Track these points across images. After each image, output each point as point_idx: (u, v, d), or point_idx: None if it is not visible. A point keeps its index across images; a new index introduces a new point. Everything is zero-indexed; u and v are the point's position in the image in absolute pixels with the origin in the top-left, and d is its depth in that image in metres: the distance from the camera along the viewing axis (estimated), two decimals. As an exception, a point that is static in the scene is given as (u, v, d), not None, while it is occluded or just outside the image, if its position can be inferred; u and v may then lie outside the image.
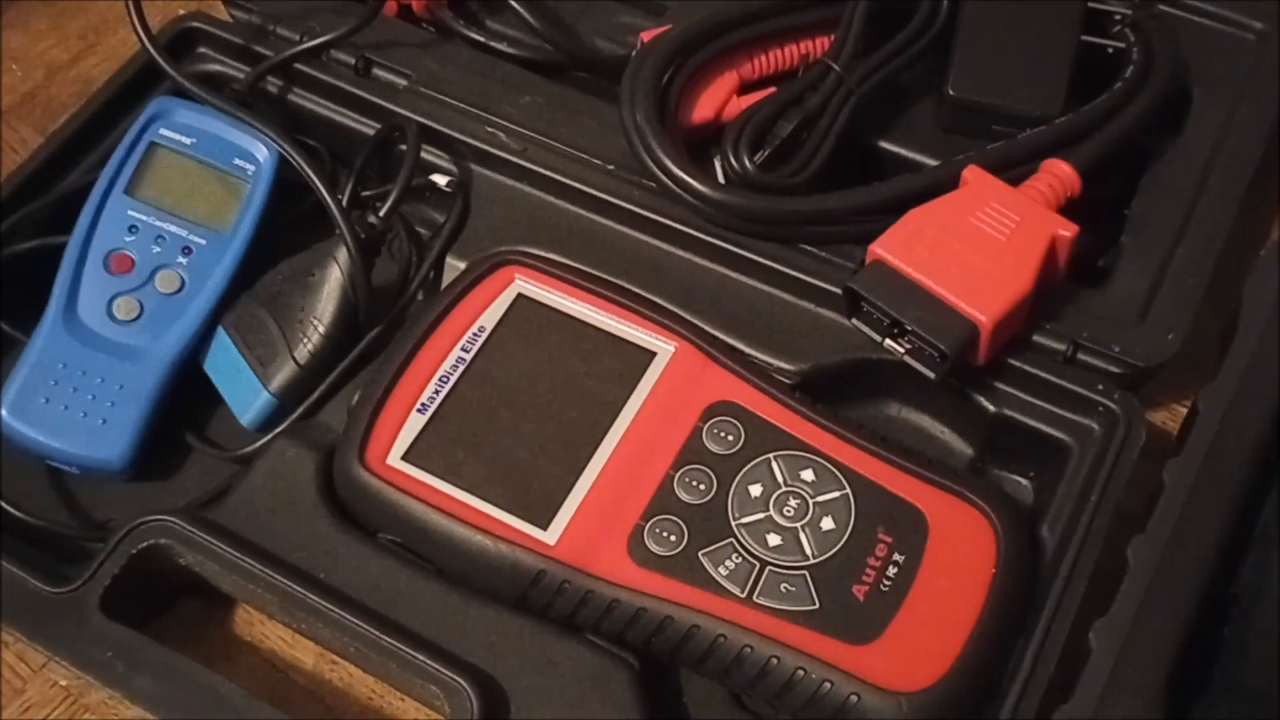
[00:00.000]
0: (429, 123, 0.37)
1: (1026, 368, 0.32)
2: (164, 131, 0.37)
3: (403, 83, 0.38)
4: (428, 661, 0.29)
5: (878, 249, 0.32)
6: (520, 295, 0.34)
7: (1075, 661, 0.27)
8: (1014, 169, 0.34)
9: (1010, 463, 0.33)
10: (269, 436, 0.33)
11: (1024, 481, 0.33)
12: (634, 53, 0.37)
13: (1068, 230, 0.32)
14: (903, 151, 0.36)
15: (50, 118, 0.43)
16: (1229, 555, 0.27)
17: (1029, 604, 0.29)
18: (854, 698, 0.28)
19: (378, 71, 0.38)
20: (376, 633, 0.29)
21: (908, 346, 0.32)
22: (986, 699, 0.28)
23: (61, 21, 0.45)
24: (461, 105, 0.37)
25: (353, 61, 0.38)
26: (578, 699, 0.29)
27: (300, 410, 0.34)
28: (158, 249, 0.35)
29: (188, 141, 0.37)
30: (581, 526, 0.30)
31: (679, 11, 0.40)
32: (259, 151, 0.37)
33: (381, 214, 0.35)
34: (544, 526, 0.30)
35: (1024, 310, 0.32)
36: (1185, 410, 0.32)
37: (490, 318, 0.33)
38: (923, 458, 0.31)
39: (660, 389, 0.32)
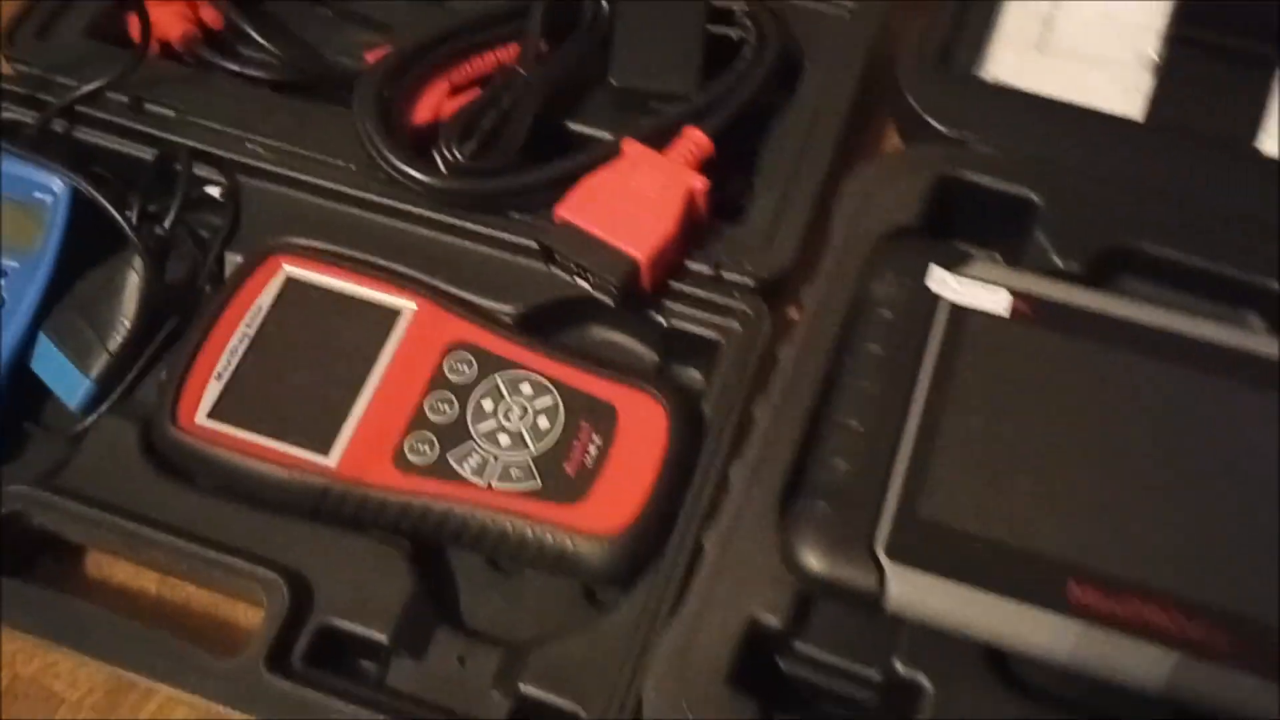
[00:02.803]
0: (198, 145, 0.45)
1: (684, 288, 0.42)
2: (-29, 175, 0.44)
3: (171, 113, 0.46)
4: (246, 564, 0.38)
5: (561, 211, 0.41)
6: (289, 278, 0.42)
7: (719, 493, 0.38)
8: (663, 137, 0.44)
9: (684, 360, 0.43)
10: (95, 415, 0.41)
11: (696, 373, 0.43)
12: (362, 70, 0.46)
13: (701, 183, 0.42)
14: (585, 129, 0.46)
15: None
16: (823, 403, 0.38)
17: (694, 460, 0.39)
18: (570, 543, 0.37)
19: (149, 106, 0.46)
20: (202, 550, 0.38)
21: (592, 282, 0.41)
22: (666, 531, 0.38)
23: None
24: (223, 128, 0.45)
25: (126, 100, 0.46)
26: (366, 578, 0.38)
27: (118, 392, 0.41)
28: (-21, 275, 0.42)
29: (-7, 182, 0.44)
30: (355, 449, 0.39)
31: (401, 30, 0.49)
32: (54, 184, 0.44)
33: (166, 225, 0.44)
34: (325, 453, 0.39)
35: (675, 246, 0.41)
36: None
37: (266, 298, 0.42)
38: (613, 365, 0.41)
39: (408, 337, 0.41)
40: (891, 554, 0.33)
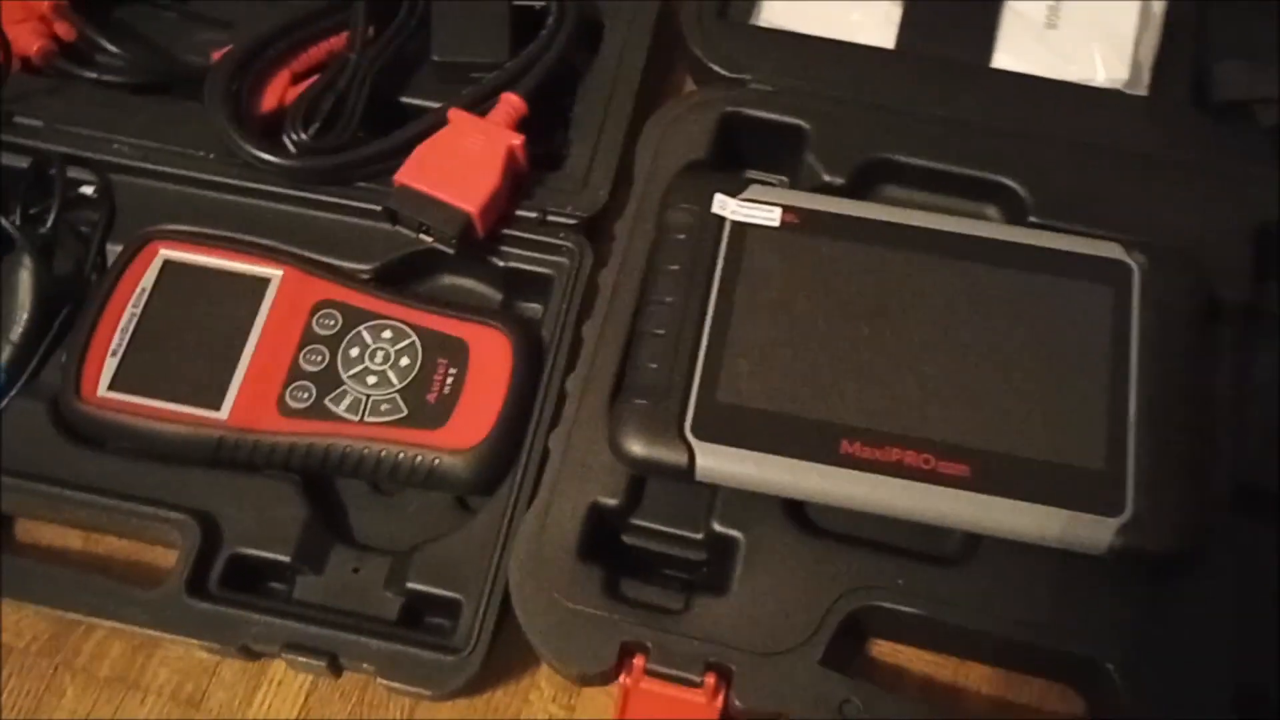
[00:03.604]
0: (68, 150, 0.50)
1: (516, 232, 0.48)
2: None
3: (40, 123, 0.50)
4: (158, 511, 0.44)
5: (400, 177, 0.47)
6: (166, 260, 0.48)
7: (560, 404, 0.45)
8: (484, 102, 0.50)
9: (523, 295, 0.49)
10: (7, 399, 0.46)
11: (535, 305, 0.50)
12: (209, 67, 0.51)
13: (519, 140, 0.48)
14: (416, 101, 0.51)
15: None
16: (638, 318, 0.45)
17: (537, 378, 0.46)
18: (437, 460, 0.44)
19: (20, 119, 0.50)
20: (118, 504, 0.44)
21: (434, 236, 0.47)
22: (518, 441, 0.45)
23: None
24: (89, 132, 0.50)
25: (-4, 115, 0.51)
26: (266, 511, 0.44)
27: (25, 376, 0.47)
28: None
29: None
30: (243, 402, 0.45)
31: (242, 26, 0.53)
32: (-60, 198, 0.49)
33: (49, 224, 0.49)
34: (217, 408, 0.45)
35: (503, 197, 0.48)
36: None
37: (148, 280, 0.47)
38: (461, 306, 0.48)
39: (279, 301, 0.47)
40: (697, 434, 0.41)
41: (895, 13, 0.52)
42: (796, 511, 0.43)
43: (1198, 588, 0.41)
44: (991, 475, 0.40)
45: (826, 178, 0.48)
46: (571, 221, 0.49)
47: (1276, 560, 0.42)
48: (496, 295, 0.50)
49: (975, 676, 0.44)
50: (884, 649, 0.44)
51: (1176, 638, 0.40)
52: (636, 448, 0.41)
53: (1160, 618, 0.40)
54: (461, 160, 0.47)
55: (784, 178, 0.51)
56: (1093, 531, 0.39)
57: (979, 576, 0.41)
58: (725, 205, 0.45)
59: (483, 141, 0.48)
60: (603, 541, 0.43)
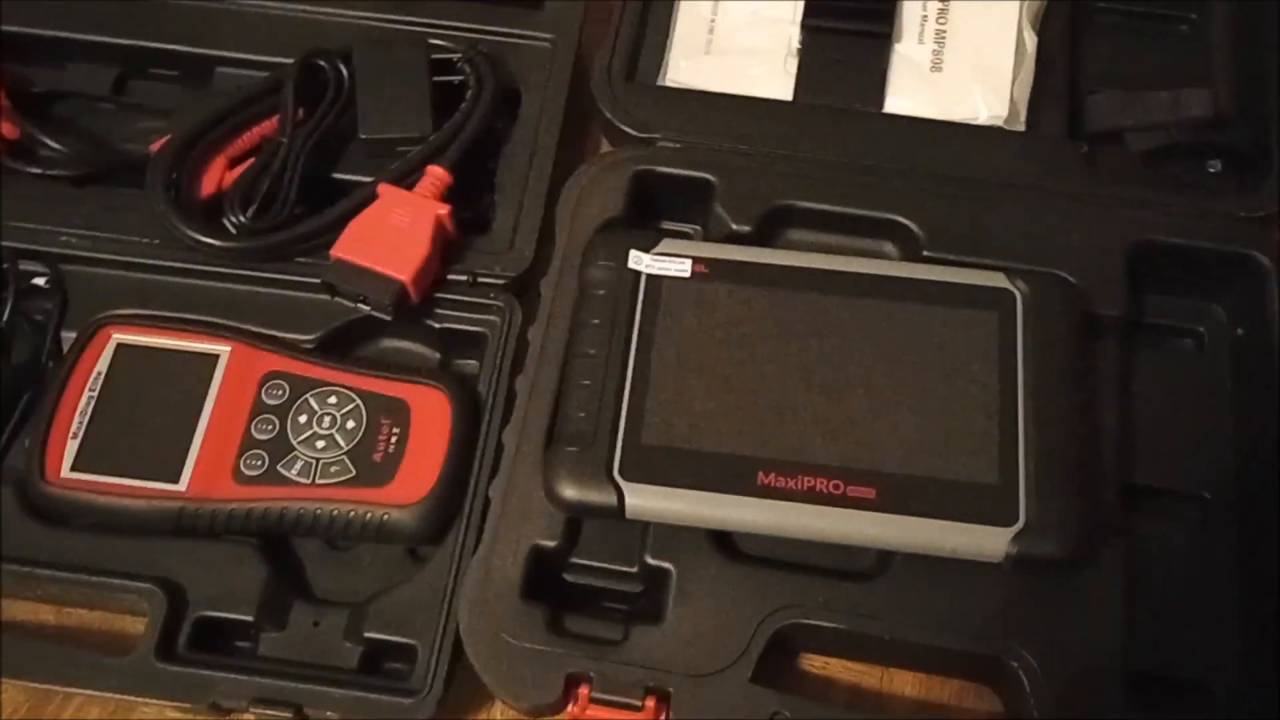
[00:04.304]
0: (18, 245, 0.52)
1: (449, 295, 0.51)
2: None
3: (-12, 220, 0.53)
4: (125, 582, 0.46)
5: (335, 251, 0.50)
6: (119, 344, 0.50)
7: (498, 453, 0.48)
8: (411, 175, 0.53)
9: (461, 353, 0.52)
10: (-25, 486, 0.49)
11: (474, 361, 0.53)
12: (149, 156, 0.54)
13: (444, 209, 0.51)
14: (350, 177, 0.55)
15: None
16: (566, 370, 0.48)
17: (475, 432, 0.49)
18: (386, 515, 0.47)
19: (-34, 217, 0.53)
20: (86, 579, 0.46)
21: (371, 305, 0.51)
22: (461, 492, 0.48)
23: None
24: (37, 226, 0.53)
25: (-59, 214, 0.53)
26: (227, 574, 0.47)
27: (-9, 463, 0.50)
28: None
29: None
30: (200, 473, 0.47)
31: (178, 113, 0.56)
32: (-100, 298, 0.51)
33: (4, 317, 0.51)
34: (176, 481, 0.47)
35: (433, 263, 0.51)
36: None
37: (103, 364, 0.50)
38: (402, 367, 0.51)
39: (229, 375, 0.50)
40: (625, 475, 0.44)
41: (792, 65, 0.56)
42: (722, 540, 0.46)
43: (1090, 585, 0.44)
44: (895, 496, 0.43)
45: (734, 226, 0.51)
46: (500, 281, 0.52)
47: (1163, 552, 0.46)
48: (435, 354, 0.53)
49: (899, 682, 0.47)
50: (813, 662, 0.48)
51: (1072, 632, 0.43)
52: (569, 492, 0.44)
53: (1057, 615, 0.44)
54: (392, 232, 0.51)
55: (697, 226, 0.54)
56: (990, 542, 0.43)
57: (892, 589, 0.44)
58: (640, 260, 0.48)
59: (411, 213, 0.51)
60: (545, 580, 0.46)
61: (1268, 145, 0.52)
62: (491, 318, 0.51)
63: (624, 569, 0.46)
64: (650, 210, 0.53)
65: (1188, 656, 0.46)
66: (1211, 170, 0.54)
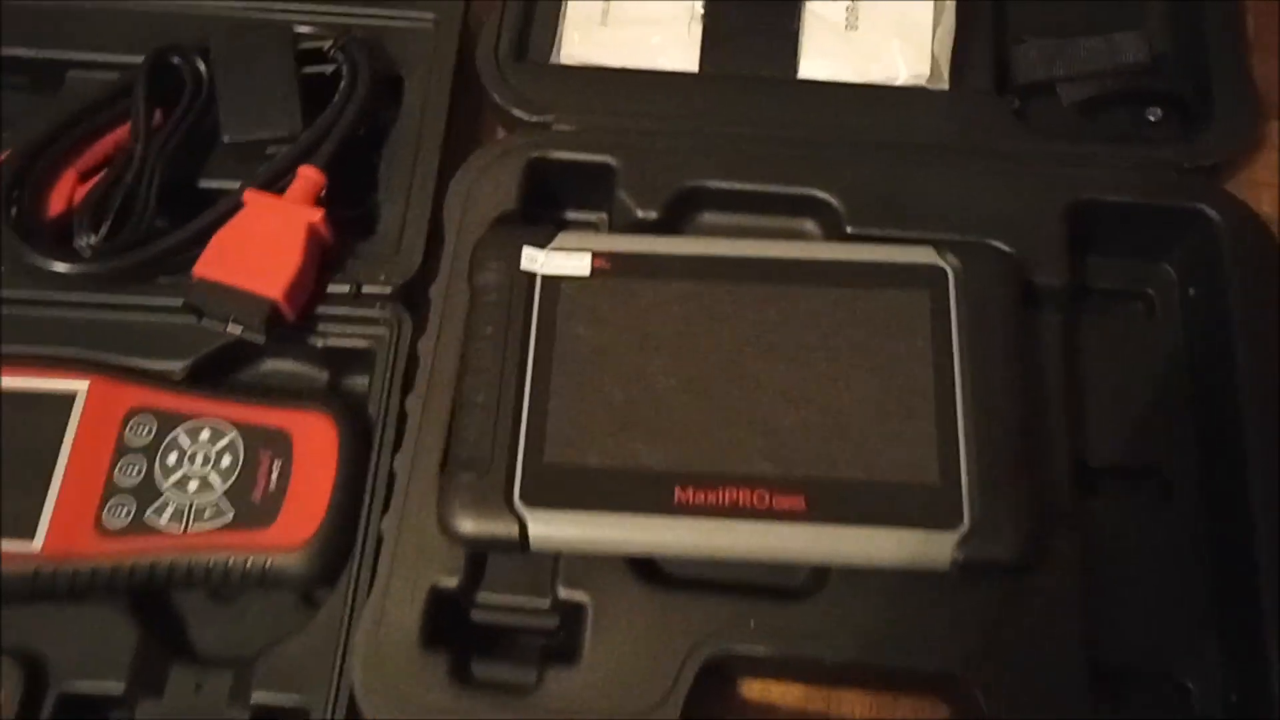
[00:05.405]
0: None
1: (330, 309, 0.46)
2: None
3: None
4: (-21, 659, 0.41)
5: (198, 270, 0.45)
6: (-43, 388, 0.45)
7: (390, 483, 0.43)
8: (282, 179, 0.48)
9: (351, 371, 0.47)
10: None
11: (364, 379, 0.48)
12: (-12, 178, 0.48)
13: (317, 215, 0.46)
14: (216, 184, 0.50)
15: None
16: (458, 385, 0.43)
17: (365, 461, 0.44)
18: (269, 560, 0.42)
19: None
20: (-66, 656, 0.42)
21: (241, 326, 0.46)
22: (352, 528, 0.43)
23: None
24: None
25: None
26: (93, 639, 0.41)
27: None
28: None
29: None
30: (57, 528, 0.42)
31: (17, 125, 0.51)
32: None
33: None
34: (30, 539, 0.42)
35: (310, 275, 0.46)
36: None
37: (-57, 411, 0.45)
38: (284, 393, 0.46)
39: (87, 415, 0.44)
40: (527, 501, 0.39)
41: (697, 31, 0.51)
42: (642, 566, 0.41)
43: (1046, 583, 0.40)
44: (826, 503, 0.39)
45: (640, 213, 0.46)
46: (386, 291, 0.47)
47: (1123, 538, 0.42)
48: (323, 374, 0.48)
49: (848, 700, 0.43)
50: (755, 685, 0.43)
51: (1026, 636, 0.39)
52: (465, 524, 0.40)
53: (1009, 619, 0.40)
54: (260, 244, 0.46)
55: (604, 215, 0.49)
56: (933, 547, 0.38)
57: (829, 607, 0.40)
58: (535, 259, 0.44)
59: (281, 222, 0.46)
60: (447, 623, 0.41)
61: (1208, 88, 0.48)
62: (379, 331, 0.46)
63: (537, 604, 0.42)
64: (550, 200, 0.49)
65: (1157, 648, 0.42)
66: (1151, 119, 0.50)
